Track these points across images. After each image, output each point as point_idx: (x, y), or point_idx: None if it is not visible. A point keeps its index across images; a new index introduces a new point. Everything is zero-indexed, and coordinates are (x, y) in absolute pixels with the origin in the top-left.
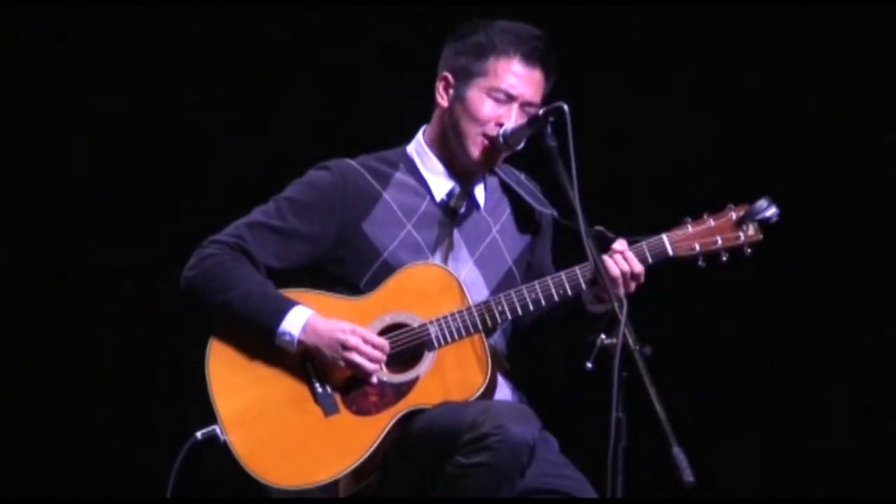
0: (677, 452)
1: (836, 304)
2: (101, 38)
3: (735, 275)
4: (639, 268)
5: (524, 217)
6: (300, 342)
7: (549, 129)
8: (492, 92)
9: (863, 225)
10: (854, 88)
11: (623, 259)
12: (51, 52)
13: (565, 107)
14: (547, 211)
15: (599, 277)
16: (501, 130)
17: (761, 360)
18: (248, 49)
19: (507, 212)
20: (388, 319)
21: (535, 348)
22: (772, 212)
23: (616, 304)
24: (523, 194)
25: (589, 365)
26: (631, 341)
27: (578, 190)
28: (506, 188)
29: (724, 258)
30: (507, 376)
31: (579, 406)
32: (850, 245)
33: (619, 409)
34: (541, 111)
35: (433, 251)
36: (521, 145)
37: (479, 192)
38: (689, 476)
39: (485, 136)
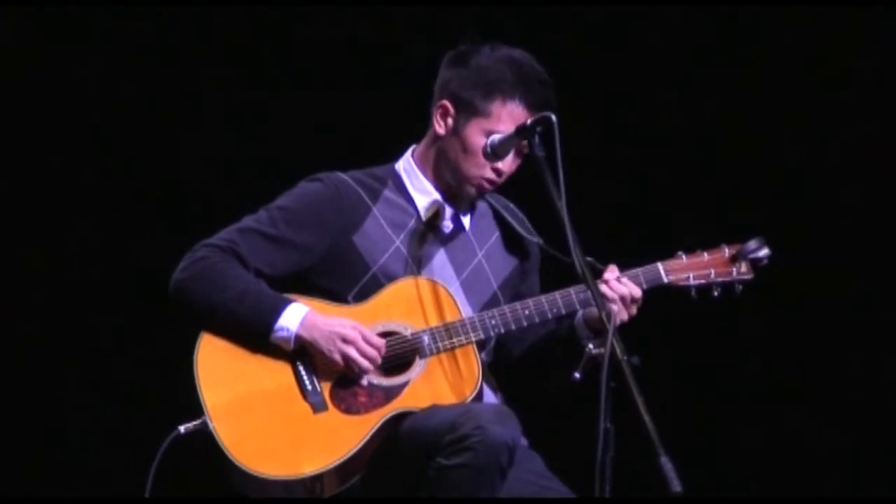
0: (664, 462)
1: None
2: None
3: None
4: (637, 291)
5: (511, 243)
6: (298, 337)
7: (536, 138)
8: (491, 135)
9: (859, 231)
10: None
11: (619, 283)
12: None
13: (553, 117)
14: (534, 239)
15: (589, 290)
16: (489, 140)
17: (750, 370)
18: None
19: (493, 237)
20: (380, 327)
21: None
22: (763, 252)
23: (604, 315)
24: (512, 221)
25: (577, 375)
26: (619, 351)
27: (566, 201)
28: (494, 214)
29: (716, 293)
30: (496, 391)
31: (568, 421)
32: (848, 249)
33: (607, 419)
34: (528, 120)
35: (421, 267)
36: (509, 155)
37: (465, 214)
38: (676, 486)
39: (482, 178)
